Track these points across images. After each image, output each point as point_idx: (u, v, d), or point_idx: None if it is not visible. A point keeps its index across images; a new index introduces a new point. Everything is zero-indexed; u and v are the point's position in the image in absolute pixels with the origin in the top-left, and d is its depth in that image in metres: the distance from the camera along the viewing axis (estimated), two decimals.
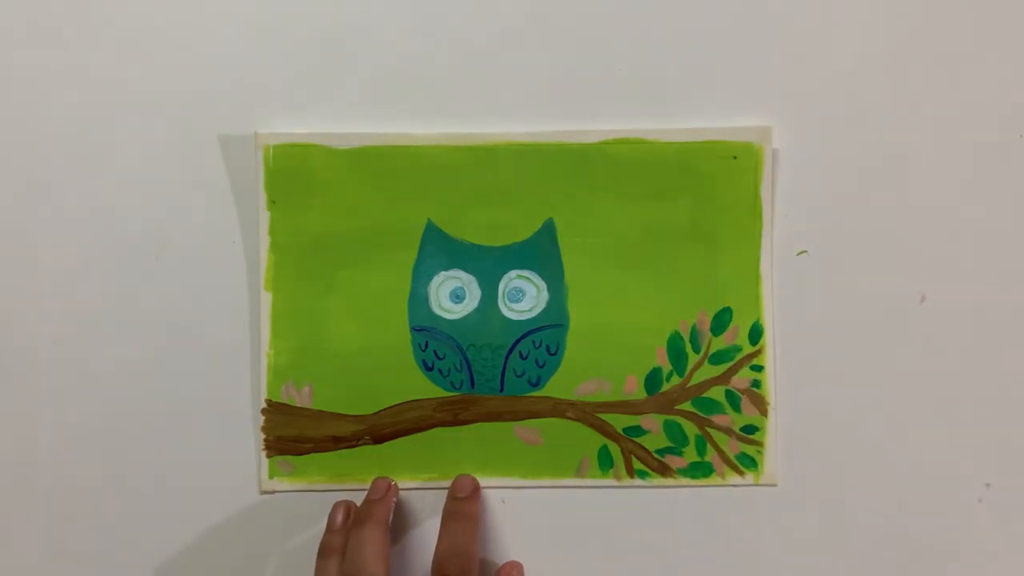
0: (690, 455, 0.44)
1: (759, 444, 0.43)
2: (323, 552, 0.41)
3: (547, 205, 0.43)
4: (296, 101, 0.44)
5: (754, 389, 0.44)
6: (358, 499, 0.43)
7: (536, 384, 0.44)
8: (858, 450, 0.43)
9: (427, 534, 0.43)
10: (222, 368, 0.44)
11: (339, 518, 0.42)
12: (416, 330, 0.44)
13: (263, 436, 0.44)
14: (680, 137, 0.43)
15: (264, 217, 0.44)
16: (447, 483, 0.43)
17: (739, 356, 0.43)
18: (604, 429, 0.44)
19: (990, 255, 0.44)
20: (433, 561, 0.40)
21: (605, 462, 0.44)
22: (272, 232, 0.44)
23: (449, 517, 0.41)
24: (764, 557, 0.43)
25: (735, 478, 0.43)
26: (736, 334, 0.43)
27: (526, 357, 0.44)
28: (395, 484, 0.43)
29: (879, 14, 0.44)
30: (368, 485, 0.43)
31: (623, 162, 0.43)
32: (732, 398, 0.44)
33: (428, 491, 0.44)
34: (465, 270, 0.44)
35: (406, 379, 0.44)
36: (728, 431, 0.43)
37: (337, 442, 0.44)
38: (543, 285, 0.44)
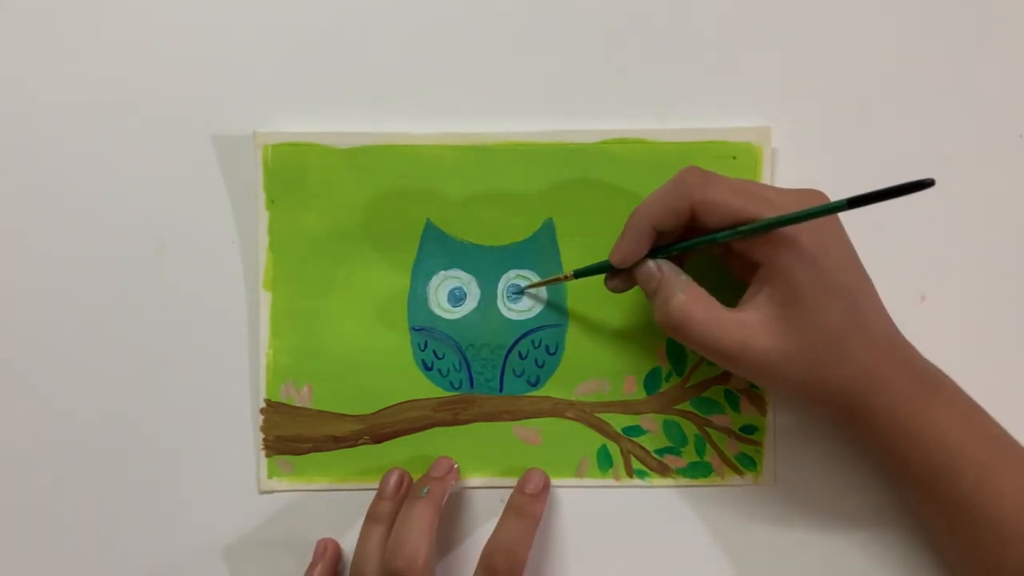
0: (689, 455, 0.44)
1: (758, 444, 0.43)
2: (370, 517, 0.41)
3: (547, 205, 0.43)
4: (295, 100, 0.44)
5: (753, 389, 0.44)
6: (358, 499, 0.43)
7: (535, 384, 0.44)
8: (858, 450, 0.43)
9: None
10: (221, 368, 0.44)
11: (391, 485, 0.42)
12: (415, 330, 0.44)
13: (262, 436, 0.44)
14: (680, 137, 0.43)
15: (263, 216, 0.44)
16: None
17: None
18: (603, 429, 0.44)
19: (990, 255, 0.44)
20: (484, 549, 0.40)
21: (604, 462, 0.44)
22: (271, 232, 0.44)
23: (512, 510, 0.41)
24: (763, 557, 0.43)
25: (734, 478, 0.43)
26: None
27: (525, 357, 0.44)
28: (457, 467, 0.43)
29: (879, 14, 0.44)
30: (368, 485, 0.43)
31: (623, 162, 0.43)
32: (731, 398, 0.44)
33: None
34: (464, 270, 0.44)
35: (405, 379, 0.44)
36: (727, 431, 0.43)
37: (336, 442, 0.44)
38: None
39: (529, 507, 0.41)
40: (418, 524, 0.39)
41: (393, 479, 0.42)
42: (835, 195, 0.43)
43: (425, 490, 0.40)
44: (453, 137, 0.43)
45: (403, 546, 0.39)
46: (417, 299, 0.44)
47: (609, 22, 0.44)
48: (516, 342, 0.44)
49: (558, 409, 0.44)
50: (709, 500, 0.43)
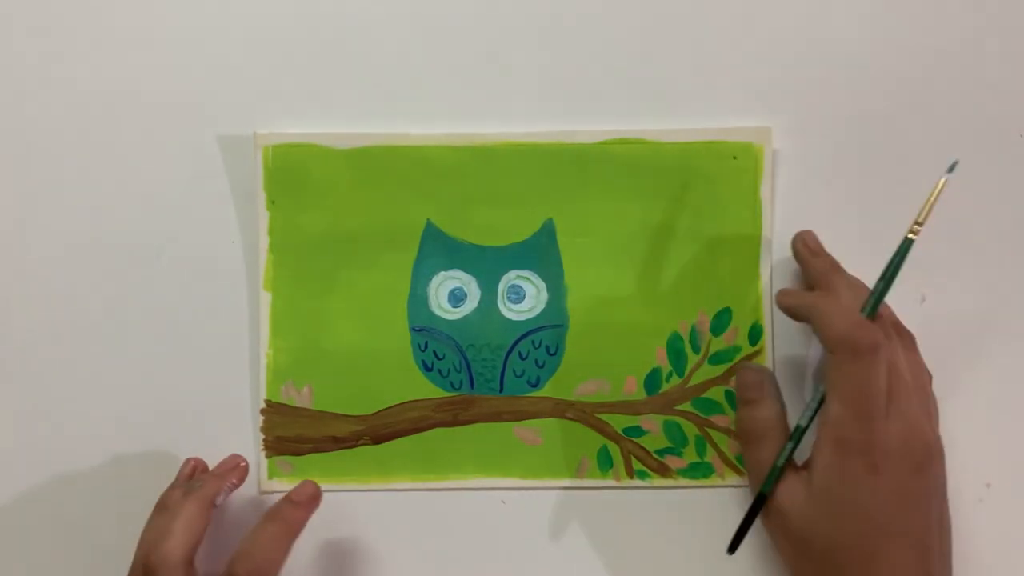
0: (689, 455, 0.43)
1: None
2: (157, 506, 0.40)
3: (547, 205, 0.43)
4: (296, 101, 0.44)
5: None
6: (358, 500, 0.43)
7: (536, 384, 0.44)
8: None
9: (424, 534, 0.43)
10: (221, 368, 0.44)
11: (186, 473, 0.42)
12: (415, 330, 0.44)
13: (262, 436, 0.44)
14: (680, 137, 0.43)
15: (263, 217, 0.44)
16: (447, 483, 0.43)
17: (739, 356, 0.43)
18: (604, 429, 0.44)
19: (990, 255, 0.44)
20: (232, 554, 0.38)
21: (605, 462, 0.44)
22: (271, 232, 0.44)
23: (267, 516, 0.39)
24: (763, 557, 0.43)
25: (734, 478, 0.43)
26: (736, 334, 0.43)
27: (525, 357, 0.44)
28: (245, 464, 0.42)
29: (878, 14, 0.44)
30: (369, 486, 0.43)
31: (623, 162, 0.43)
32: (732, 399, 0.43)
33: (428, 492, 0.43)
34: (465, 270, 0.44)
35: (405, 379, 0.44)
36: (728, 431, 0.43)
37: (336, 442, 0.44)
38: (543, 285, 0.44)
39: (287, 512, 0.39)
40: (182, 520, 0.38)
41: (188, 468, 0.42)
42: (834, 195, 0.43)
43: (198, 484, 0.40)
44: (453, 137, 0.43)
45: (163, 536, 0.38)
46: (417, 299, 0.44)
47: (609, 22, 0.44)
48: (516, 342, 0.44)
49: (558, 409, 0.44)
50: (709, 500, 0.43)
